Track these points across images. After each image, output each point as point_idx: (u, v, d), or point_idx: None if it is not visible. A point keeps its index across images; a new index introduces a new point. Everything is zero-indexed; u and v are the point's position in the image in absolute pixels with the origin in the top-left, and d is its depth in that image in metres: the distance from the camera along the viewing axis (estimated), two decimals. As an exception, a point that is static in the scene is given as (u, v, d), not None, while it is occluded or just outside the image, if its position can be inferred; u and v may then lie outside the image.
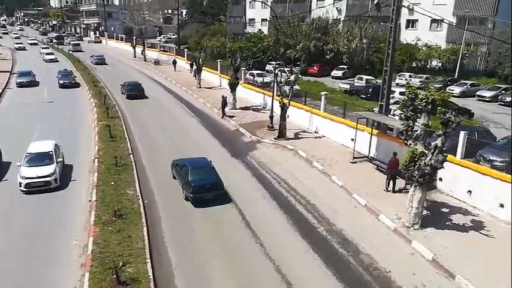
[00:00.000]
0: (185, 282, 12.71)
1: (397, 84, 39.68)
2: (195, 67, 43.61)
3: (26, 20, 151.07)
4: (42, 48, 67.13)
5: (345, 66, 49.58)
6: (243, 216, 16.69)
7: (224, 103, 30.80)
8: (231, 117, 30.87)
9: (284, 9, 64.17)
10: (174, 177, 19.47)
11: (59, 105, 33.87)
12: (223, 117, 30.72)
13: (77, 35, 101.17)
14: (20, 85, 40.84)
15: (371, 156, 22.08)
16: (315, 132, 27.51)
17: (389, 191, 18.67)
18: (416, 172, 15.25)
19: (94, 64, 57.05)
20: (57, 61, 58.28)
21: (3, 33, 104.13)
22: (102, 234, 14.58)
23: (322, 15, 53.34)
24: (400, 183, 18.63)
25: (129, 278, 12.23)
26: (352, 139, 22.86)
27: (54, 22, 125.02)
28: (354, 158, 22.35)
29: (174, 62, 54.33)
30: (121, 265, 12.05)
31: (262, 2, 53.69)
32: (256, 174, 21.00)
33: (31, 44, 79.58)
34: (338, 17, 58.56)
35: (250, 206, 17.55)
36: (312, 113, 27.92)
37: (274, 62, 48.47)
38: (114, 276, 11.88)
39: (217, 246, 14.62)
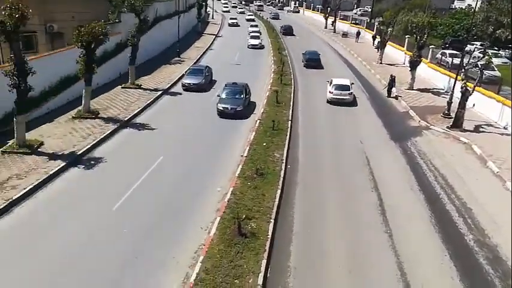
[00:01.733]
0: (300, 250, 12.78)
1: None
2: (378, 40, 41.43)
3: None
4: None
5: None
6: (381, 202, 15.54)
7: (392, 82, 28.48)
8: (401, 97, 28.45)
9: (506, -20, 53.81)
10: None
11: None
12: (388, 96, 28.56)
13: (279, 4, 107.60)
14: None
15: None
16: (504, 128, 23.01)
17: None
18: None
19: (282, 34, 58.91)
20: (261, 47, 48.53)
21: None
22: (241, 187, 15.78)
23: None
24: None
25: (250, 231, 13.01)
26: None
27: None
28: (547, 166, 17.91)
29: (358, 33, 54.99)
30: (244, 218, 12.90)
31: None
32: (412, 162, 19.06)
33: (240, 12, 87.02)
34: None
35: (393, 194, 16.19)
36: (504, 105, 23.31)
37: (477, 43, 41.83)
38: (237, 226, 12.83)
39: (341, 227, 14.10)
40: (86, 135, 20.17)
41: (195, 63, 38.77)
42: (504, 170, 18.00)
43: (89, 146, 18.91)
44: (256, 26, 60.66)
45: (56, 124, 21.30)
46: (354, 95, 27.81)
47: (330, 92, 27.47)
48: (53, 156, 17.54)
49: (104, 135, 20.38)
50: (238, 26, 65.61)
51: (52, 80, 23.76)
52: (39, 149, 18.05)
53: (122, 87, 28.45)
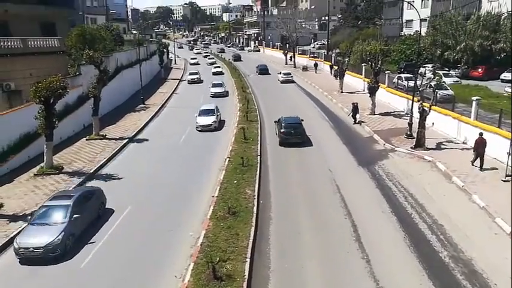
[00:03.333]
0: (279, 287, 12.47)
1: None
2: (334, 69, 43.33)
3: (201, 34, 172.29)
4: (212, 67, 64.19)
5: (521, 69, 41.70)
6: (355, 228, 15.55)
7: (355, 110, 29.42)
8: (365, 122, 29.30)
9: (447, 7, 57.81)
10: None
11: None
12: (354, 123, 29.38)
13: (239, 45, 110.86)
14: None
15: (531, 176, 18.03)
16: (463, 143, 23.90)
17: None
18: None
19: (258, 74, 58.10)
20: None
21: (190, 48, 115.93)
22: (214, 229, 15.44)
23: (492, 9, 46.15)
24: None
25: (226, 274, 12.61)
26: (509, 153, 18.99)
27: (222, 34, 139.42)
28: (507, 175, 18.55)
29: (316, 65, 58.33)
30: (218, 261, 12.53)
31: (408, 2, 49.34)
32: (381, 185, 19.36)
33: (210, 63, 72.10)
34: (514, 11, 49.75)
35: (366, 219, 16.25)
36: (460, 121, 24.33)
37: (429, 65, 44.13)
38: (212, 270, 12.42)
39: (319, 257, 13.94)
40: (50, 192, 19.40)
41: (160, 108, 38.85)
42: (468, 183, 18.52)
43: (52, 203, 18.15)
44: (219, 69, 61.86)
45: (16, 184, 20.49)
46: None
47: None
48: (13, 218, 16.72)
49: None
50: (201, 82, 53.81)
51: (11, 139, 23.08)
52: (-2, 212, 17.19)
53: (87, 139, 27.95)
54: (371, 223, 15.94)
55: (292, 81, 49.30)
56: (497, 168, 19.66)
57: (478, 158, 20.12)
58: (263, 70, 59.05)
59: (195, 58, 77.45)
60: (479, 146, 20.01)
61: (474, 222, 15.61)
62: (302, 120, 26.57)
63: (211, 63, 69.23)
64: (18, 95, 27.50)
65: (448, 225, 15.40)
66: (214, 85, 44.75)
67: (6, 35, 29.15)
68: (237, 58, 79.19)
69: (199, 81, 53.28)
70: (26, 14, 32.31)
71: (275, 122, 28.05)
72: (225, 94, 43.69)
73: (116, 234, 15.75)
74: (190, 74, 55.38)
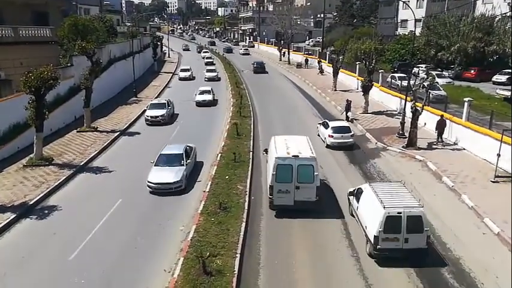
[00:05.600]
0: (268, 283, 12.50)
1: None
2: (321, 64, 44.00)
3: (196, 28, 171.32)
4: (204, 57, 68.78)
5: (512, 71, 42.10)
6: (345, 226, 15.61)
7: (348, 107, 29.50)
8: (357, 121, 29.38)
9: (441, 7, 58.10)
10: None
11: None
12: (346, 120, 29.48)
13: (234, 40, 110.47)
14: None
15: (520, 177, 18.23)
16: (454, 143, 24.10)
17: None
18: None
19: (254, 72, 55.84)
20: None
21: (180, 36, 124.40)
22: (205, 224, 15.40)
23: (486, 11, 46.47)
24: None
25: (216, 269, 12.60)
26: (499, 154, 19.18)
27: (217, 29, 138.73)
28: (496, 176, 18.77)
29: (306, 61, 60.79)
30: (208, 255, 12.50)
31: (403, 2, 49.48)
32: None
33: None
34: (508, 14, 50.16)
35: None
36: (451, 121, 24.50)
37: (423, 65, 44.41)
38: (202, 265, 12.39)
39: (309, 254, 13.98)
40: (39, 183, 19.22)
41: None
42: (458, 183, 18.68)
43: (42, 195, 17.99)
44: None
45: (4, 174, 20.23)
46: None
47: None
48: (1, 209, 16.50)
49: (59, 182, 19.51)
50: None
51: (0, 129, 22.74)
52: (-14, 203, 16.97)
53: (78, 131, 27.66)
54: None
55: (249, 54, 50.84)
56: (486, 169, 19.83)
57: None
58: (259, 67, 56.23)
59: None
60: (440, 126, 23.75)
61: (463, 222, 15.76)
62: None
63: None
64: (8, 85, 27.07)
65: (437, 223, 15.53)
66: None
67: (-2, 23, 28.73)
68: (229, 51, 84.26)
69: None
70: (18, 2, 31.85)
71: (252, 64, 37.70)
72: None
73: (105, 227, 15.63)
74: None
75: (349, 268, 13.13)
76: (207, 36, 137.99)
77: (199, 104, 36.06)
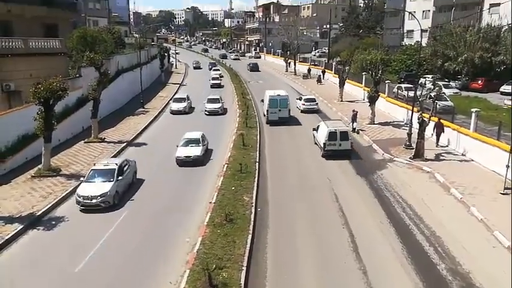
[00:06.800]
0: (275, 297, 12.39)
1: None
2: (320, 74, 45.13)
3: (203, 39, 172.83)
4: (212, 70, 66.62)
5: (520, 81, 41.81)
6: (353, 238, 15.47)
7: (354, 117, 29.48)
8: (364, 131, 29.31)
9: (448, 18, 58.13)
10: None
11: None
12: (352, 131, 29.42)
13: (240, 51, 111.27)
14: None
15: (529, 189, 18.02)
16: (462, 154, 23.89)
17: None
18: None
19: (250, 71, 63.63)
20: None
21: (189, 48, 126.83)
22: (211, 236, 15.33)
23: (492, 22, 46.40)
24: None
25: (222, 282, 12.51)
26: (508, 166, 18.97)
27: (224, 40, 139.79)
28: (506, 188, 18.53)
29: (309, 70, 61.36)
30: (214, 268, 12.43)
31: (409, 13, 49.60)
32: (379, 195, 19.31)
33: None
34: (514, 23, 49.99)
35: (364, 229, 16.18)
36: (459, 132, 24.33)
37: (429, 76, 44.29)
38: (207, 278, 12.32)
39: (315, 268, 13.85)
40: (47, 194, 19.34)
41: (159, 112, 38.85)
42: (467, 195, 18.48)
43: (49, 206, 18.09)
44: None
45: (13, 185, 20.37)
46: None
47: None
48: (9, 220, 16.59)
49: (66, 192, 19.61)
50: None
51: (9, 140, 22.98)
52: (-6, 213, 17.07)
53: (85, 142, 27.86)
54: (368, 233, 15.86)
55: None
56: (495, 181, 19.60)
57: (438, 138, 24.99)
58: (254, 67, 71.40)
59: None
60: (438, 127, 24.92)
61: (472, 235, 15.53)
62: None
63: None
64: (18, 96, 27.44)
65: (446, 237, 15.33)
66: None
67: (8, 35, 29.16)
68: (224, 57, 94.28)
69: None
70: (29, 15, 32.41)
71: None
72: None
73: (111, 239, 15.63)
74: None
75: (353, 280, 12.96)
76: (213, 47, 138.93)
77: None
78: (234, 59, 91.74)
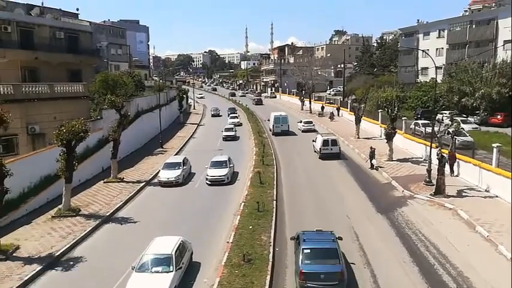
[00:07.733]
0: None
1: None
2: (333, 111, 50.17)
3: (220, 80, 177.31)
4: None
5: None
6: (375, 279, 14.93)
7: (372, 154, 29.28)
8: (382, 168, 28.95)
9: (461, 54, 58.52)
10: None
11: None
12: (371, 168, 29.08)
13: (257, 91, 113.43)
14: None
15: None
16: (486, 190, 23.26)
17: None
18: None
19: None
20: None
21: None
22: (229, 277, 15.03)
23: (507, 58, 46.42)
24: None
25: (240, 324, 12.13)
26: (534, 202, 18.38)
27: (240, 81, 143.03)
28: (534, 226, 17.81)
29: (322, 108, 63.68)
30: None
31: (423, 51, 50.13)
32: (401, 233, 18.78)
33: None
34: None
35: (386, 269, 15.65)
36: (481, 168, 23.81)
37: (446, 112, 44.05)
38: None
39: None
40: (66, 234, 19.46)
41: (178, 151, 39.37)
42: (494, 233, 17.80)
43: (67, 246, 18.13)
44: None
45: (33, 225, 20.60)
46: None
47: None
48: (28, 260, 16.67)
49: (84, 233, 19.71)
50: None
51: (32, 181, 23.51)
52: (14, 254, 17.19)
53: (104, 182, 28.25)
54: (392, 273, 15.30)
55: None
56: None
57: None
58: (258, 101, 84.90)
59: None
60: (451, 158, 25.17)
61: (502, 275, 14.77)
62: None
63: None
64: (42, 138, 28.35)
65: (475, 277, 14.67)
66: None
67: (35, 81, 30.57)
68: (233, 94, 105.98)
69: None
70: (55, 62, 34.06)
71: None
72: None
73: (128, 280, 15.43)
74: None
75: None
76: (230, 88, 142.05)
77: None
78: (241, 96, 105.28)
